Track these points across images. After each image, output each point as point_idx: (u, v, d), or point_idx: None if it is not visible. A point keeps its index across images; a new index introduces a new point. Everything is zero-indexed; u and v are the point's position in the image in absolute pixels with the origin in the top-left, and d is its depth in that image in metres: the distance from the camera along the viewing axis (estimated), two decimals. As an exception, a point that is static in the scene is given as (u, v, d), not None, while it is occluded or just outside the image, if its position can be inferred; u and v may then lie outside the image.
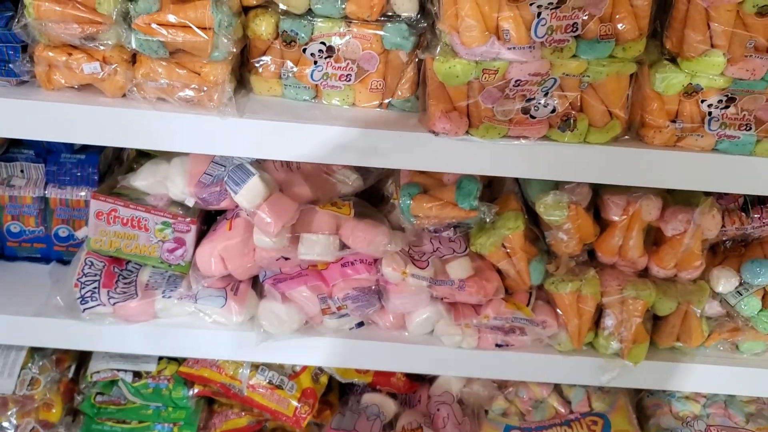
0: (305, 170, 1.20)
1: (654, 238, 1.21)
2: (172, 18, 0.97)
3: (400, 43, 1.05)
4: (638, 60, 1.00)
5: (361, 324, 1.24)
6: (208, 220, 1.26)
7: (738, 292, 1.22)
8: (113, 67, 1.02)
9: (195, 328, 1.21)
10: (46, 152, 1.28)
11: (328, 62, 1.07)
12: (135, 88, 1.03)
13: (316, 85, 1.09)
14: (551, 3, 0.93)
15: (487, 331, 1.21)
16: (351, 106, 1.10)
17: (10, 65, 1.02)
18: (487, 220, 1.14)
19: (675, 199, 1.17)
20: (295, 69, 1.08)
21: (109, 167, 1.34)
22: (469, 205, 1.12)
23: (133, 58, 1.03)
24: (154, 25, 0.97)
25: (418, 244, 1.19)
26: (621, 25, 0.97)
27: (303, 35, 1.05)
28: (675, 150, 1.05)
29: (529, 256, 1.19)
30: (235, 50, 1.01)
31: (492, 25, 0.95)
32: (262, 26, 1.05)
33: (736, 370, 1.28)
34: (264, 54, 1.09)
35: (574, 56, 0.97)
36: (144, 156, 1.30)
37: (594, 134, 1.03)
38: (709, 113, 1.02)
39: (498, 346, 1.23)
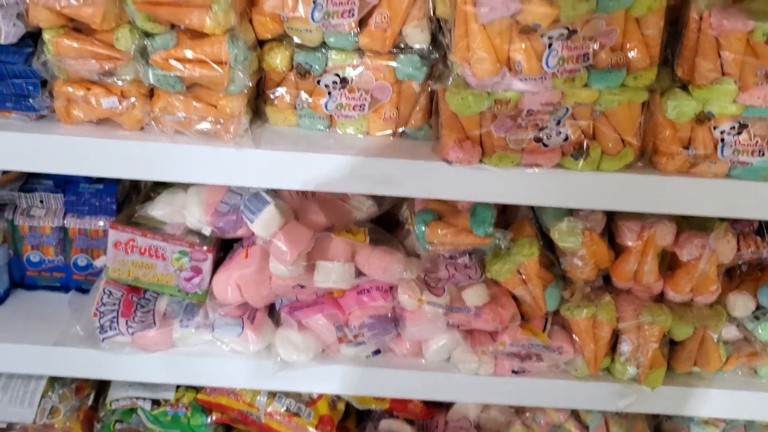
0: (320, 197, 1.21)
1: (669, 263, 1.20)
2: (188, 53, 0.99)
3: (412, 74, 1.07)
4: (650, 88, 1.00)
5: (377, 352, 1.24)
6: (224, 246, 1.28)
7: (755, 316, 1.21)
8: (131, 101, 1.03)
9: (212, 357, 1.22)
10: (65, 182, 1.30)
11: (342, 93, 1.08)
12: (153, 122, 1.04)
13: (331, 115, 1.10)
14: (562, 34, 0.94)
15: (503, 358, 1.21)
16: (365, 135, 1.11)
17: (30, 100, 1.04)
18: (502, 246, 1.15)
19: (689, 224, 1.17)
20: (309, 100, 1.09)
21: (126, 196, 1.36)
22: (483, 231, 1.12)
23: (151, 92, 1.05)
24: (171, 61, 0.99)
25: (433, 270, 1.20)
26: (632, 54, 0.98)
27: (317, 67, 1.07)
28: (688, 176, 1.05)
29: (545, 282, 1.19)
30: (250, 84, 1.03)
31: (503, 57, 0.96)
32: (277, 59, 1.07)
33: (755, 395, 1.27)
34: (279, 85, 1.10)
35: (585, 86, 0.98)
36: (161, 185, 1.32)
37: (607, 162, 1.04)
38: (722, 140, 1.03)
39: (515, 372, 1.23)
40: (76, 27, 1.00)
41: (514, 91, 0.97)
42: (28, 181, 1.31)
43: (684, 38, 0.99)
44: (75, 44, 0.98)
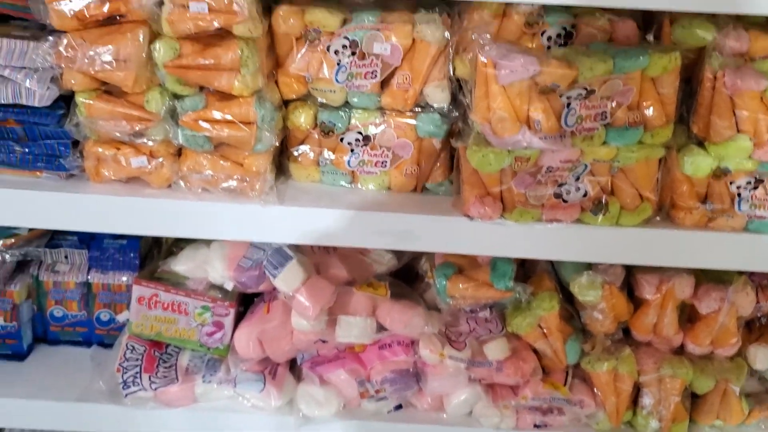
0: (341, 251, 1.23)
1: (689, 315, 1.21)
2: (217, 114, 1.02)
3: (433, 132, 1.09)
4: (666, 145, 1.03)
5: (399, 407, 1.24)
6: (244, 300, 1.29)
7: (776, 369, 1.21)
8: (160, 160, 1.06)
9: (234, 412, 1.21)
10: (89, 238, 1.32)
11: (364, 150, 1.11)
12: (180, 180, 1.07)
13: (353, 171, 1.13)
14: (581, 94, 0.97)
15: (525, 412, 1.21)
16: (387, 191, 1.14)
17: (61, 160, 1.07)
18: (523, 300, 1.16)
19: (708, 277, 1.18)
20: (332, 157, 1.12)
21: (148, 251, 1.38)
22: (504, 285, 1.13)
23: (179, 151, 1.08)
24: (200, 122, 1.02)
25: (454, 324, 1.20)
26: (648, 112, 1.00)
27: (340, 125, 1.10)
28: (706, 231, 1.06)
29: (565, 335, 1.20)
30: (277, 143, 1.06)
31: (523, 116, 0.98)
32: (302, 118, 1.10)
33: (778, 448, 1.26)
34: (302, 143, 1.13)
35: (604, 143, 1.00)
36: (183, 240, 1.34)
37: (626, 217, 1.06)
38: (738, 194, 1.04)
39: (536, 426, 1.22)
40: (108, 90, 1.03)
41: (533, 149, 0.99)
42: (54, 237, 1.33)
43: (699, 96, 1.01)
44: (107, 106, 1.02)
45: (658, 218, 1.08)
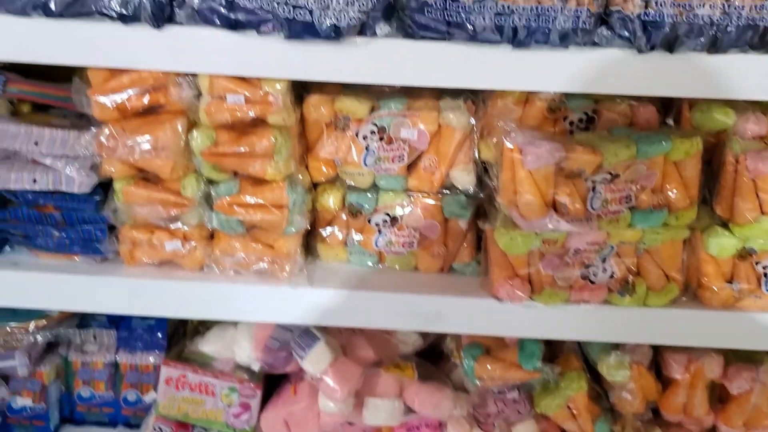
0: (367, 331, 1.23)
1: (719, 395, 1.20)
2: (250, 199, 1.05)
3: (459, 213, 1.12)
4: (691, 226, 1.04)
5: (427, 489, 1.23)
6: (269, 381, 1.29)
7: (811, 450, 1.19)
8: (193, 244, 1.09)
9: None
10: (118, 318, 1.34)
11: (391, 231, 1.13)
12: (212, 263, 1.09)
13: (380, 251, 1.15)
14: (606, 178, 0.99)
15: (555, 495, 1.19)
16: (414, 271, 1.15)
17: (97, 244, 1.10)
18: (551, 380, 1.15)
19: (737, 356, 1.18)
20: (360, 237, 1.14)
21: (175, 330, 1.39)
22: (532, 366, 1.13)
23: (211, 235, 1.11)
24: (234, 206, 1.05)
25: (482, 405, 1.19)
26: (672, 194, 1.02)
27: (368, 207, 1.12)
28: (734, 311, 1.07)
29: (594, 415, 1.19)
30: (308, 225, 1.08)
31: (549, 199, 1.00)
32: (330, 200, 1.12)
33: None
34: (330, 224, 1.15)
35: (629, 226, 1.02)
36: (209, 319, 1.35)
37: (653, 297, 1.06)
38: (765, 274, 1.05)
39: None
40: (145, 176, 1.07)
41: (561, 232, 1.01)
42: (84, 317, 1.35)
43: (721, 179, 1.03)
44: (144, 192, 1.05)
45: (684, 298, 1.09)
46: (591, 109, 1.08)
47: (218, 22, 0.95)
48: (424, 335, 1.26)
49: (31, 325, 1.26)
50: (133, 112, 1.03)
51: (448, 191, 1.12)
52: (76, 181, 1.06)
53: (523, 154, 0.97)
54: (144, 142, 1.01)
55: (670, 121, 1.10)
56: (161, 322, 1.33)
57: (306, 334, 1.15)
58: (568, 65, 0.95)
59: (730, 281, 1.06)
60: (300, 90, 1.09)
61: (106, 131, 1.01)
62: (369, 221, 1.13)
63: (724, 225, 1.05)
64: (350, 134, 1.09)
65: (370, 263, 1.16)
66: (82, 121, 1.09)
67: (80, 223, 1.09)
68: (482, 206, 1.12)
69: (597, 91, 1.00)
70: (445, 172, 1.10)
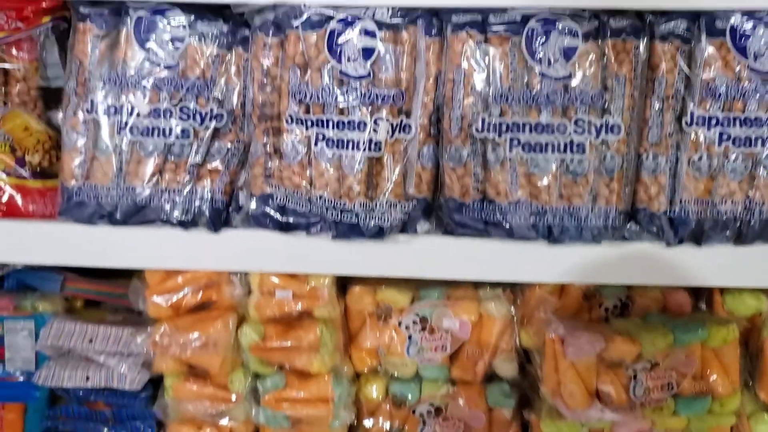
0: None
1: None
2: (296, 393, 1.07)
3: (503, 402, 1.12)
4: (736, 413, 1.05)
5: None
6: None
7: None
8: (239, 440, 1.10)
9: None
10: None
11: (436, 421, 1.13)
12: (259, 458, 1.10)
13: (425, 443, 1.14)
14: (645, 366, 1.01)
15: None
16: (458, 462, 1.14)
17: (145, 440, 1.12)
18: None
19: None
20: (405, 428, 1.14)
21: None
22: None
23: (256, 429, 1.12)
24: (281, 402, 1.07)
25: None
26: (713, 380, 1.03)
27: (411, 397, 1.13)
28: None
29: None
30: (354, 419, 1.09)
31: (592, 388, 1.01)
32: (374, 390, 1.14)
33: None
34: (374, 414, 1.16)
35: (673, 413, 1.02)
36: None
37: (702, 487, 1.05)
38: (816, 457, 1.04)
39: None
40: (193, 371, 1.09)
41: (606, 422, 1.01)
42: None
43: (761, 364, 1.05)
44: (193, 388, 1.07)
45: (736, 487, 1.07)
46: (625, 296, 1.11)
47: (271, 225, 1.02)
48: None
49: None
50: (186, 309, 1.08)
51: (491, 379, 1.14)
52: (128, 378, 1.09)
53: (565, 345, 1.00)
54: (196, 339, 1.05)
55: (703, 305, 1.13)
56: None
57: None
58: (600, 259, 1.01)
59: (781, 467, 1.05)
60: (343, 280, 1.14)
61: (162, 329, 1.05)
62: (413, 412, 1.14)
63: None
64: (392, 324, 1.12)
65: (414, 453, 1.15)
66: (133, 315, 1.14)
67: (130, 420, 1.11)
68: (526, 394, 1.13)
69: (629, 282, 1.05)
70: (487, 361, 1.12)
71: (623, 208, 1.00)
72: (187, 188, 1.03)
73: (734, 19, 0.95)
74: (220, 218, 1.03)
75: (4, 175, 1.05)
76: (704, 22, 0.96)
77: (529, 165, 0.98)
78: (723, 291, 1.10)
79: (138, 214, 1.03)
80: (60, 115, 1.08)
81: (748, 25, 0.95)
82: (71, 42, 1.04)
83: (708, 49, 0.96)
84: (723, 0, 0.95)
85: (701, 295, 1.14)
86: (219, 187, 1.03)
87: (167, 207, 1.02)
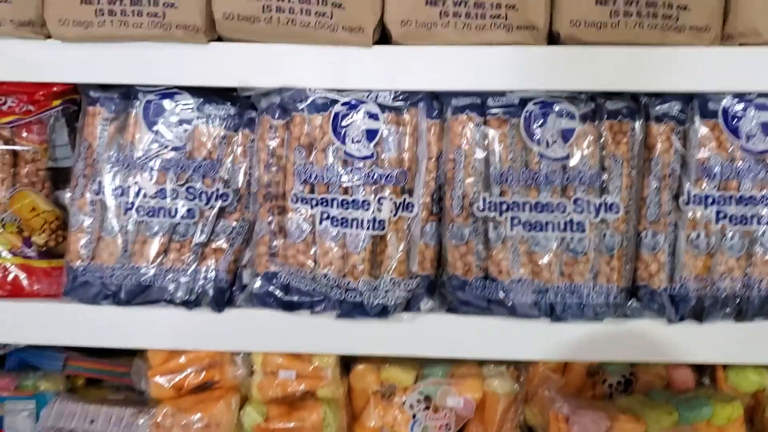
0: None
1: None
2: (300, 475, 1.06)
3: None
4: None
5: None
6: None
7: None
8: None
9: None
10: None
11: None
12: None
13: None
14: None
15: None
16: None
17: None
18: None
19: None
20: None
21: None
22: None
23: None
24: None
25: None
26: (720, 458, 1.03)
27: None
28: None
29: None
30: (357, 502, 1.08)
31: (599, 468, 1.01)
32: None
33: None
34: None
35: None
36: None
37: None
38: None
39: None
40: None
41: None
42: None
43: (768, 443, 1.05)
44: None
45: None
46: (628, 372, 1.11)
47: (275, 304, 1.02)
48: None
49: None
50: (188, 390, 1.07)
51: (494, 457, 1.13)
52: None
53: (570, 423, 1.00)
54: (198, 420, 1.04)
55: (707, 380, 1.13)
56: None
57: None
58: (603, 337, 1.01)
59: None
60: (346, 359, 1.14)
61: (164, 411, 1.05)
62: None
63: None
64: (397, 403, 1.12)
65: None
66: (135, 394, 1.14)
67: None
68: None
69: (632, 360, 1.05)
70: (493, 443, 1.11)
71: (624, 285, 1.01)
72: (192, 267, 1.03)
73: (726, 101, 0.98)
74: (223, 298, 1.04)
75: (10, 255, 1.06)
76: (697, 104, 0.99)
77: (530, 243, 0.99)
78: (726, 367, 1.10)
79: (142, 294, 1.03)
80: (67, 194, 1.10)
81: (739, 107, 0.98)
82: (80, 124, 1.06)
83: (702, 130, 0.99)
84: (714, 83, 0.98)
85: (705, 370, 1.14)
86: (223, 266, 1.04)
87: (171, 287, 1.03)
